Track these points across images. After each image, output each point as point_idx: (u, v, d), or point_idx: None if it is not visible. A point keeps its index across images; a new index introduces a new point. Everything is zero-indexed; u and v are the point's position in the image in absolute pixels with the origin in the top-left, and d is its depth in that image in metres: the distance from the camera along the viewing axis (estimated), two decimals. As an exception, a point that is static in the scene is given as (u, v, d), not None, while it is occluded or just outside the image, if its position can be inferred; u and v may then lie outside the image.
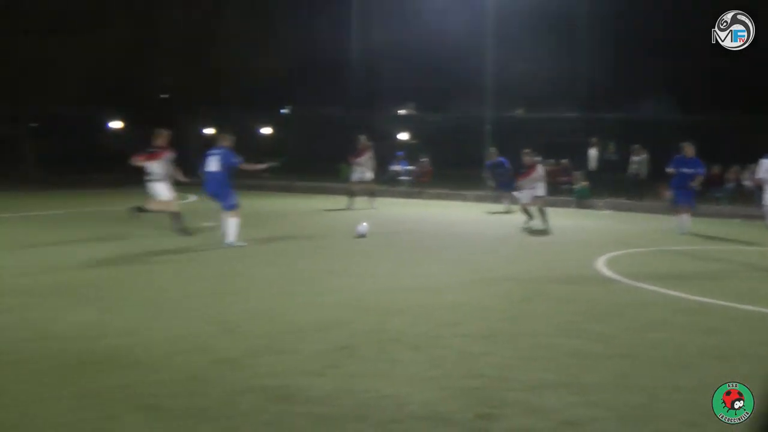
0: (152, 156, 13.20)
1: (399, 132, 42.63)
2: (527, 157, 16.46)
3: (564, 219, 17.86)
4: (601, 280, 9.46)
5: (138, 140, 21.87)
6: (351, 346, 5.97)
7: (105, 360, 5.52)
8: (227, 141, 12.63)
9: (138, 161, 13.17)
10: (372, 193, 20.28)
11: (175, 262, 10.43)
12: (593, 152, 25.13)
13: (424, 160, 29.24)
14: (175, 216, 13.42)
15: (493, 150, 22.19)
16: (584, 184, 23.27)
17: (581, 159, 25.34)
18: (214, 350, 5.84)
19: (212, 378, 5.17)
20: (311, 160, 38.52)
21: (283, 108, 47.22)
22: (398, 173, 28.75)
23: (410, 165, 29.23)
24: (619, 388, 5.13)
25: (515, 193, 17.59)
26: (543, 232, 14.98)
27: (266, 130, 52.14)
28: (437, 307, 7.58)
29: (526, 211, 16.22)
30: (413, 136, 42.65)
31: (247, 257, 10.89)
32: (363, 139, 20.54)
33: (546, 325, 6.84)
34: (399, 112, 49.18)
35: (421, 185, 27.30)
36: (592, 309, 7.62)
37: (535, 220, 15.86)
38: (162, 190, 13.20)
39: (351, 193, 20.04)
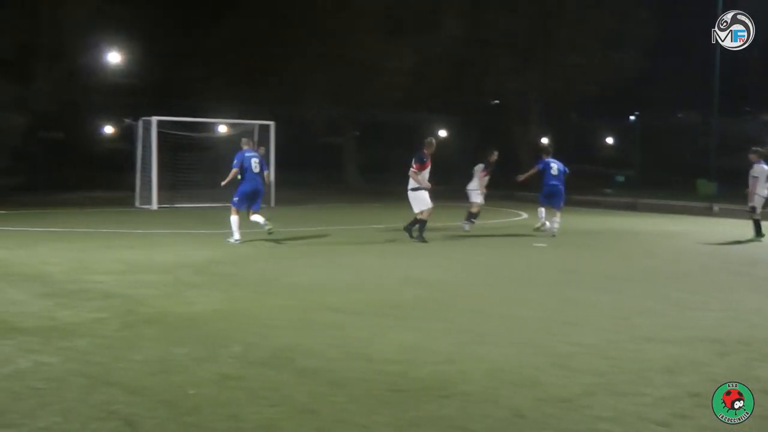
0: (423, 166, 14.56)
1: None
2: None
3: None
4: None
5: (465, 149, 22.54)
6: (703, 394, 5.37)
7: (422, 388, 5.53)
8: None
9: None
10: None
11: (503, 284, 10.40)
12: None
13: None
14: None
15: None
16: None
17: None
18: (543, 386, 5.61)
19: (540, 418, 4.94)
20: (660, 174, 36.87)
21: (631, 115, 45.78)
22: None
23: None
24: None
25: None
26: None
27: (609, 140, 51.01)
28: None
29: None
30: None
31: (582, 283, 10.53)
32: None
33: None
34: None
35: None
36: None
37: None
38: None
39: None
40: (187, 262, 11.59)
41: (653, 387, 5.64)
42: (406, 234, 14.96)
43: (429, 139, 15.07)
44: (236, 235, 14.24)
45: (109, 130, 45.56)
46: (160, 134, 22.79)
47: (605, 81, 40.06)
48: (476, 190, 17.53)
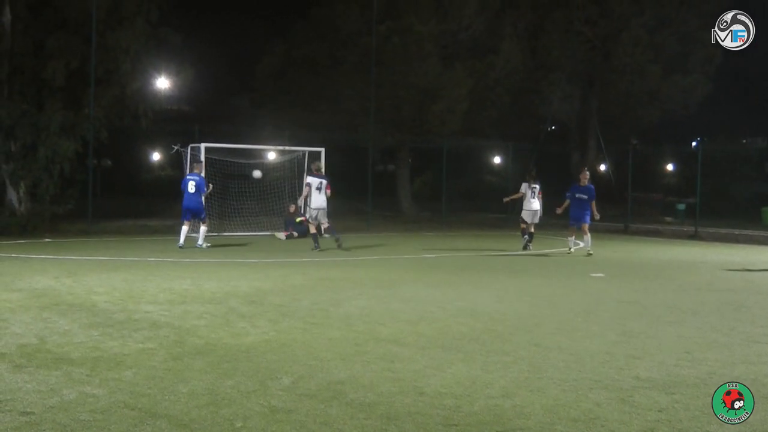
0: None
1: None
2: None
3: None
4: None
5: (517, 176, 22.66)
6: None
7: (476, 422, 5.49)
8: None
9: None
10: None
11: (561, 316, 10.29)
12: None
13: None
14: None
15: None
16: None
17: None
18: (602, 421, 5.54)
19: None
20: (724, 202, 36.25)
21: (694, 141, 45.22)
22: None
23: None
24: None
25: None
26: None
27: (669, 167, 50.41)
28: None
29: None
30: None
31: (643, 315, 10.39)
32: None
33: None
34: None
35: None
36: None
37: None
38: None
39: None
40: (236, 292, 11.70)
41: (717, 424, 5.53)
42: (460, 263, 14.86)
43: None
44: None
45: (157, 157, 46.36)
46: (207, 161, 23.13)
47: (668, 107, 39.66)
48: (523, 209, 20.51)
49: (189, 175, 19.93)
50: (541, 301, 11.64)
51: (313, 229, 19.15)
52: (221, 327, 8.86)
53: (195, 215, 19.69)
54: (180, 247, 18.93)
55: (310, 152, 25.15)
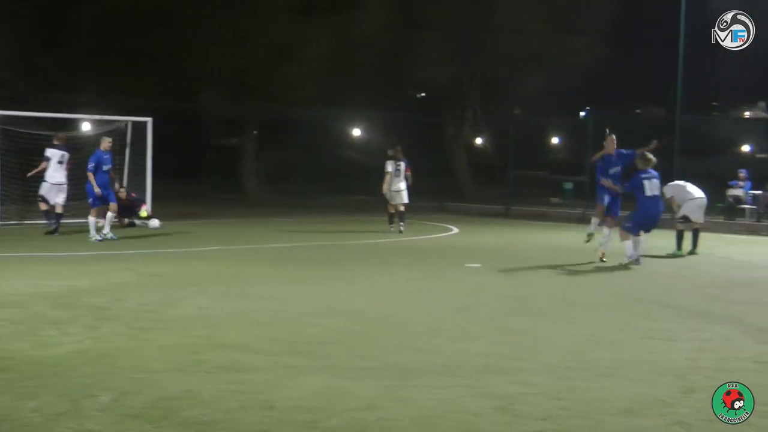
0: None
1: (742, 143, 40.62)
2: None
3: None
4: None
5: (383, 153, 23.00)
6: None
7: (336, 440, 5.51)
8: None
9: None
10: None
11: (435, 314, 10.44)
12: None
13: (779, 182, 27.38)
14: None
15: None
16: None
17: None
18: (481, 436, 5.65)
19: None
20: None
21: (583, 111, 46.82)
22: (739, 200, 27.25)
23: (756, 189, 27.54)
24: None
25: None
26: None
27: (555, 140, 51.89)
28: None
29: None
30: (762, 148, 40.39)
31: (529, 311, 10.67)
32: None
33: None
34: (744, 115, 46.89)
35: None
36: None
37: None
38: None
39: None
40: (43, 293, 11.30)
41: (608, 432, 5.75)
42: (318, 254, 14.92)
43: None
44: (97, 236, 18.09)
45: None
46: (2, 132, 22.13)
47: (555, 72, 40.72)
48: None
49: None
50: (412, 296, 11.78)
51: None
52: (23, 336, 8.55)
53: None
54: None
55: (134, 122, 24.55)
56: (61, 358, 7.57)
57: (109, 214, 18.52)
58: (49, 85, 36.08)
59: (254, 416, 5.97)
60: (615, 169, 16.38)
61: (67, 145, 20.44)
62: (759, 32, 10.32)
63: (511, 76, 41.15)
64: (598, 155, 16.58)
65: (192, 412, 6.02)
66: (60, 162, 19.81)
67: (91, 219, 18.33)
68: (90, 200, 18.46)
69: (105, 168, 18.38)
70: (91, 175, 18.14)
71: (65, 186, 19.82)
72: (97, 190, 18.10)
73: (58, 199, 19.66)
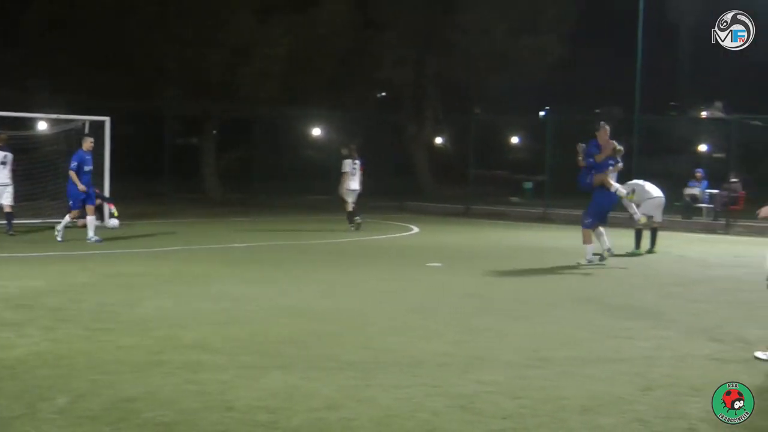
0: None
1: (699, 142, 41.05)
2: None
3: None
4: None
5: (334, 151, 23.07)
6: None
7: (297, 441, 5.50)
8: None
9: None
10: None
11: (395, 313, 10.45)
12: None
13: (735, 181, 27.73)
14: None
15: None
16: None
17: None
18: (442, 436, 5.66)
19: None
20: (576, 181, 37.91)
21: (543, 110, 47.06)
22: (696, 198, 27.63)
23: (713, 188, 27.93)
24: None
25: None
26: None
27: (515, 140, 52.16)
28: None
29: None
30: (719, 147, 40.84)
31: (489, 310, 10.73)
32: None
33: None
34: (701, 114, 47.38)
35: (729, 215, 25.90)
36: None
37: None
38: None
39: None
40: (0, 294, 11.18)
41: (567, 430, 5.80)
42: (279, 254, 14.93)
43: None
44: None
45: None
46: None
47: (515, 71, 40.92)
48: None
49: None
50: (373, 296, 11.78)
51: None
52: (-21, 338, 8.44)
53: None
54: None
55: (92, 122, 24.29)
56: (17, 361, 7.48)
57: (67, 217, 18.38)
58: (0, 82, 35.62)
59: (214, 417, 5.94)
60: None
61: (9, 145, 20.04)
62: (759, 32, 10.45)
63: (472, 75, 41.30)
64: (601, 155, 15.37)
65: (151, 414, 5.97)
66: (2, 163, 19.51)
67: (90, 218, 18.11)
68: (70, 203, 18.32)
69: (86, 168, 18.16)
70: (73, 174, 17.92)
71: (10, 187, 19.53)
72: (81, 187, 17.81)
73: (3, 199, 19.42)
